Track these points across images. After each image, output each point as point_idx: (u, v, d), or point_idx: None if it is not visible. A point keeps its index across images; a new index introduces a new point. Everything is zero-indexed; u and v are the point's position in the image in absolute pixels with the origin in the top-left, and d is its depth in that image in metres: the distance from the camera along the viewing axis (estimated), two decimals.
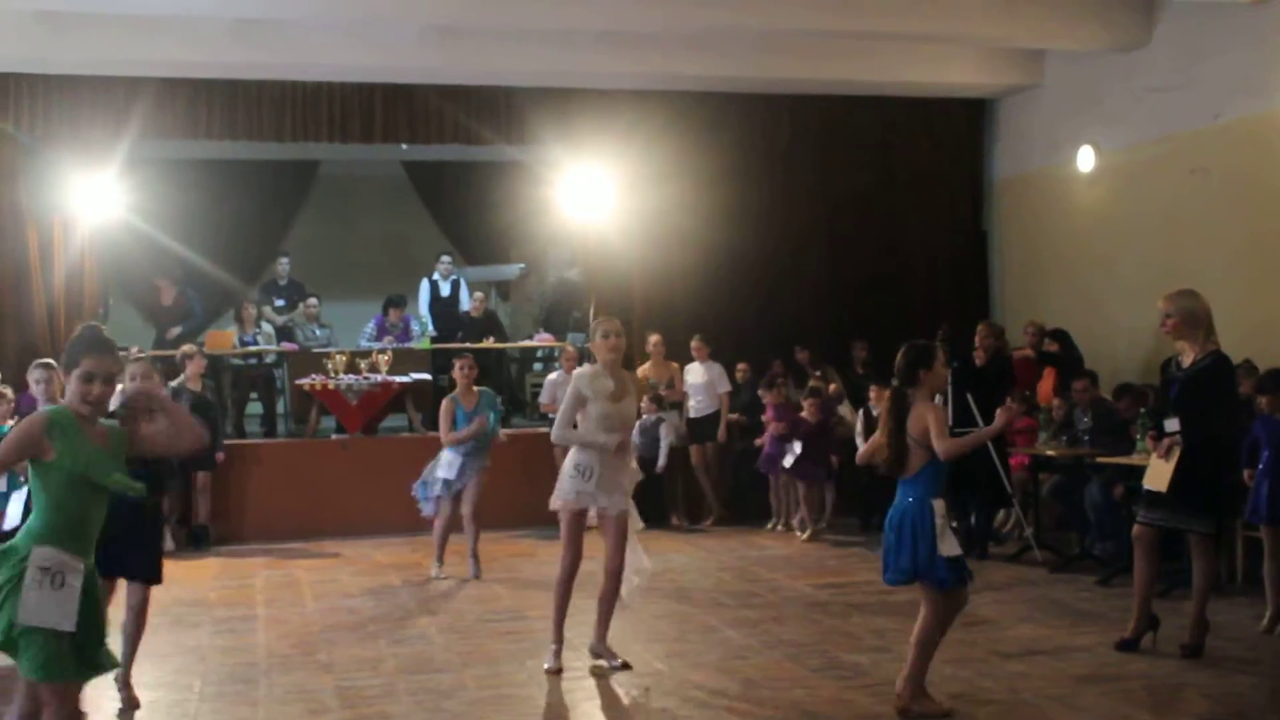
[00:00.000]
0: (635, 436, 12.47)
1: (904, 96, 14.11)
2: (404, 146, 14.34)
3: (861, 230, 14.26)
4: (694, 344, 13.04)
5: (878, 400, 11.76)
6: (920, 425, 6.08)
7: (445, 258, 15.90)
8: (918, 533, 6.07)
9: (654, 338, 13.08)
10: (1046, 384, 11.71)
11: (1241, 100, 10.95)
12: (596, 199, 13.66)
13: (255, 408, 14.84)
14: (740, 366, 13.24)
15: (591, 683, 7.02)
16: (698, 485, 13.07)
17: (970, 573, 6.27)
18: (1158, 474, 7.31)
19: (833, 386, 12.67)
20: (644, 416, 12.65)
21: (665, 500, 12.81)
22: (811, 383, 12.36)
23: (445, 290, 15.60)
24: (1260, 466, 7.94)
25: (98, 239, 13.10)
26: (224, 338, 14.26)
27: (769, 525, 12.39)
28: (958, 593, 6.20)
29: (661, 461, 12.53)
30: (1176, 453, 7.19)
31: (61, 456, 4.39)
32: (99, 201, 12.75)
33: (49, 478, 4.40)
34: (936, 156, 14.54)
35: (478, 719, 6.39)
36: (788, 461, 12.05)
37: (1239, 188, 11.02)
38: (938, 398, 6.83)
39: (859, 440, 12.10)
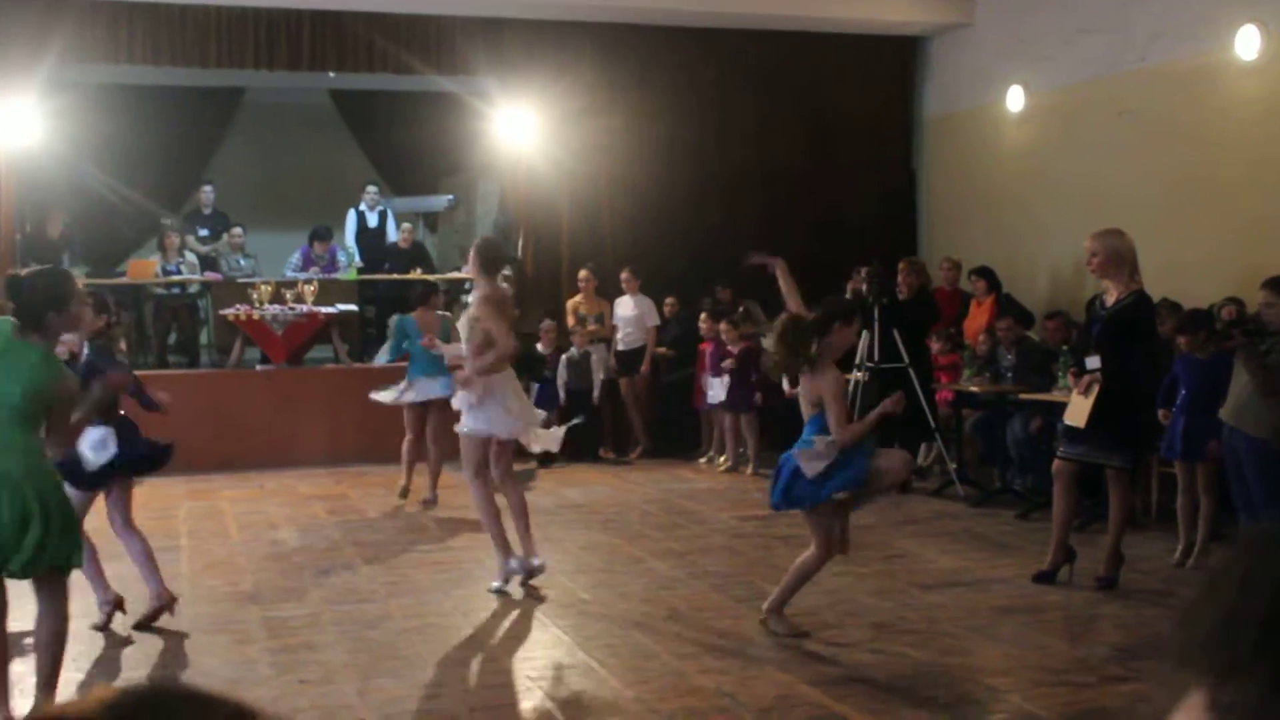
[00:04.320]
0: (563, 371, 12.60)
1: (836, 33, 14.07)
2: (332, 75, 14.13)
3: (793, 167, 14.24)
4: (624, 276, 13.03)
5: None
6: (816, 394, 6.25)
7: (371, 188, 15.73)
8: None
9: (584, 272, 13.07)
10: (974, 321, 11.83)
11: (1167, 44, 11.05)
12: (527, 131, 13.55)
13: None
14: (669, 301, 13.25)
15: (516, 613, 7.06)
16: (625, 418, 13.13)
17: (849, 498, 6.43)
18: (1077, 410, 7.43)
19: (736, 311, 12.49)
20: (573, 350, 12.69)
21: (594, 433, 12.89)
22: (736, 315, 12.36)
23: (372, 221, 15.45)
24: (1177, 404, 8.09)
25: (16, 164, 12.80)
26: (146, 266, 14.05)
27: (703, 460, 12.46)
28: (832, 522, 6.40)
29: (595, 394, 12.63)
30: (1096, 389, 7.31)
31: None
32: (17, 126, 12.45)
33: None
34: (868, 95, 14.53)
35: (403, 649, 6.41)
36: (716, 395, 12.15)
37: (1164, 130, 11.14)
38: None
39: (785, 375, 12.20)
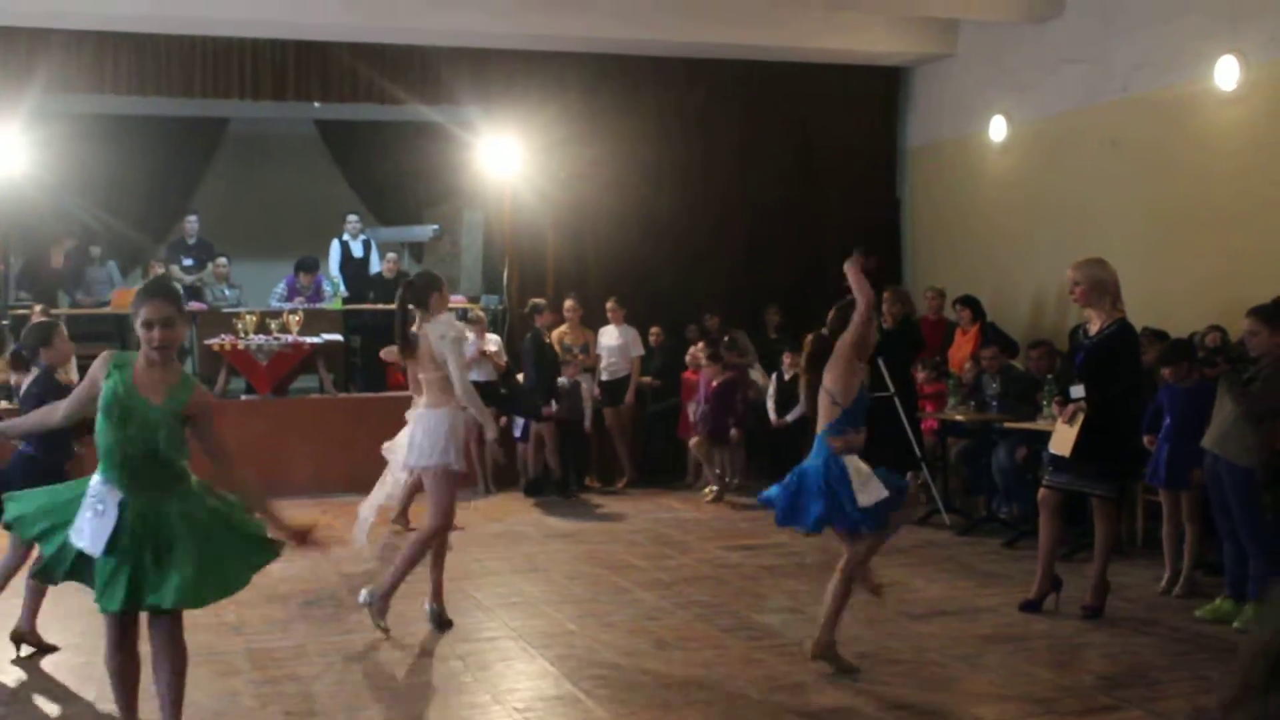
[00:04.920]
0: (554, 401, 12.57)
1: (820, 64, 14.15)
2: (316, 105, 14.14)
3: (777, 197, 14.28)
4: (610, 305, 13.05)
5: (792, 366, 11.88)
6: (830, 374, 6.27)
7: (352, 217, 15.72)
8: (826, 484, 6.19)
9: (569, 301, 13.07)
10: (958, 350, 11.86)
11: (1148, 75, 11.13)
12: (512, 161, 13.57)
13: None
14: (653, 330, 13.27)
15: (507, 644, 7.03)
16: (611, 448, 13.12)
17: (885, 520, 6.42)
18: (1062, 438, 7.45)
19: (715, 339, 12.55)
20: (563, 380, 12.65)
21: (579, 462, 12.88)
22: (724, 344, 12.40)
23: (357, 251, 15.44)
24: (1161, 433, 8.11)
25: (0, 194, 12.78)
26: (130, 296, 13.99)
27: (707, 490, 12.40)
28: (872, 536, 6.38)
29: (587, 423, 12.62)
30: (1080, 418, 7.33)
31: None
32: (1, 156, 12.43)
33: None
34: (852, 124, 14.59)
35: (390, 680, 6.38)
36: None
37: (1146, 160, 11.21)
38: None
39: (770, 404, 12.21)
